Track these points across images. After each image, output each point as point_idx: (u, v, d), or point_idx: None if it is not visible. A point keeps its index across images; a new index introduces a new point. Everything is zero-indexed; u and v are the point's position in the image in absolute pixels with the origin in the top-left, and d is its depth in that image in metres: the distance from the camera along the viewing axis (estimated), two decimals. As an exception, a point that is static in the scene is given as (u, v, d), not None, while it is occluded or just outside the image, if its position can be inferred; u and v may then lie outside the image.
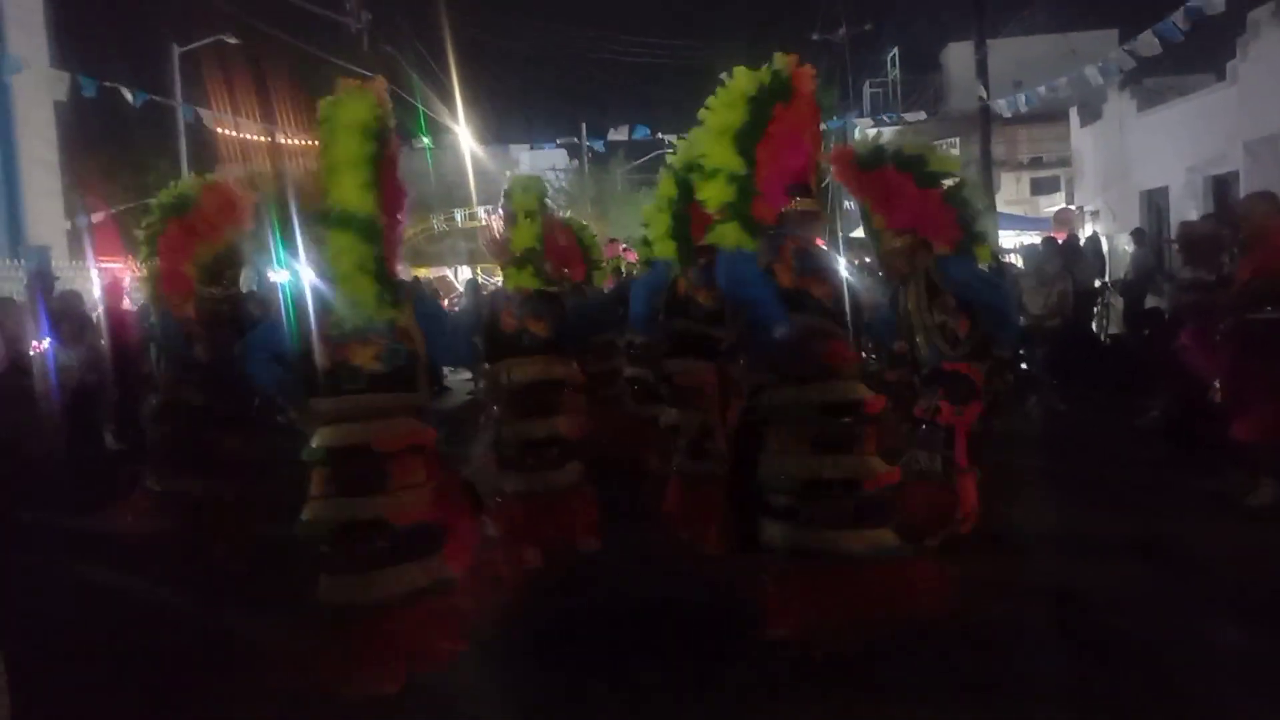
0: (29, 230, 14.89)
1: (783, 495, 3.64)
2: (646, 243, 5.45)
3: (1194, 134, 14.63)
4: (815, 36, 26.08)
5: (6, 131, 14.87)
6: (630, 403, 6.87)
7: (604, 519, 4.84)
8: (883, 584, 3.50)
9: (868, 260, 8.67)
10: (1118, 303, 12.27)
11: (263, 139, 20.21)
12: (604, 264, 8.42)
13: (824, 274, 3.82)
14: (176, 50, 18.72)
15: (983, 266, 4.98)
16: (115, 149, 21.24)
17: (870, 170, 4.75)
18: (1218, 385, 6.29)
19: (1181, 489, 5.96)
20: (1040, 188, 24.36)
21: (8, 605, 4.47)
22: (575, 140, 25.45)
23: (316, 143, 3.44)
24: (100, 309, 9.28)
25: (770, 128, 3.70)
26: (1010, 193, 23.36)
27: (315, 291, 3.39)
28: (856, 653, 3.50)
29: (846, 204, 26.26)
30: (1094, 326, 11.67)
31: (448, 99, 22.57)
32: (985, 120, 16.70)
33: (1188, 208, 14.46)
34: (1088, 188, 19.42)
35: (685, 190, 4.64)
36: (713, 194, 3.75)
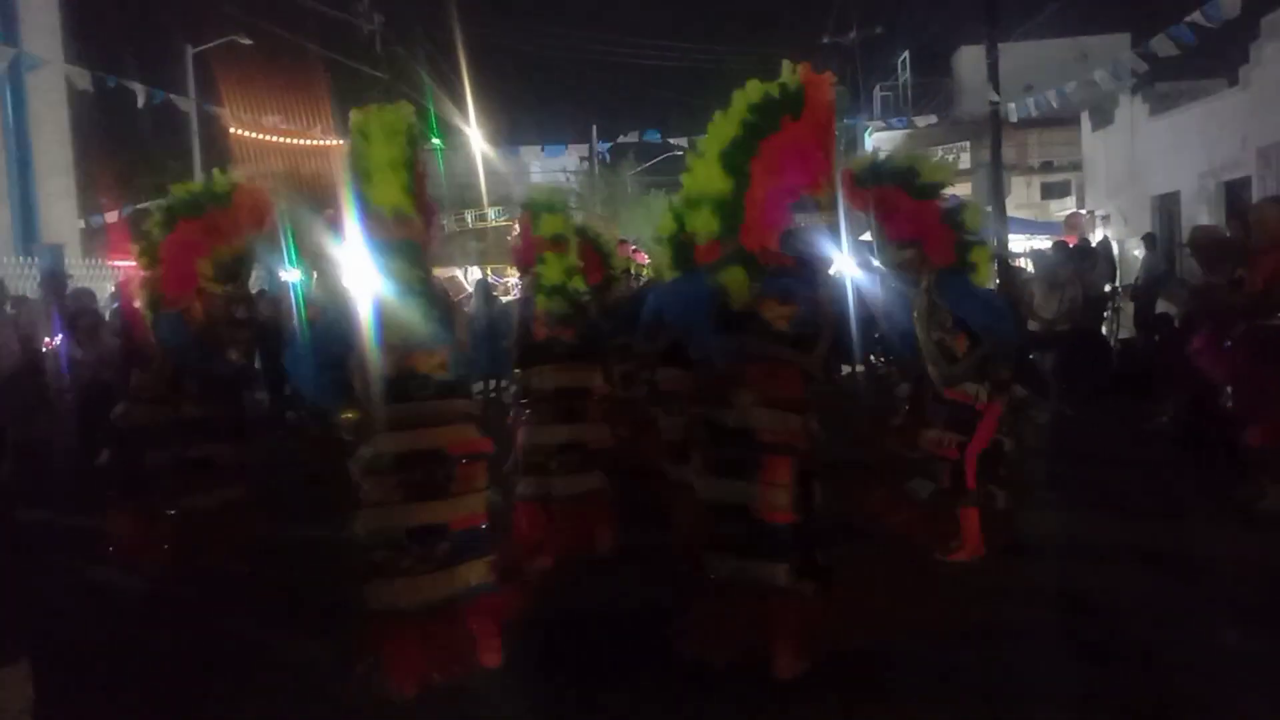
0: (43, 229, 15.00)
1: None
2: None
3: (1206, 139, 14.58)
4: (826, 39, 26.10)
5: (21, 131, 14.98)
6: (648, 406, 6.94)
7: (621, 522, 4.89)
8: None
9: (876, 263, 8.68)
10: (1128, 307, 12.24)
11: (276, 139, 20.29)
12: (620, 271, 8.46)
13: (791, 294, 3.61)
14: (190, 51, 18.83)
15: (983, 281, 4.84)
16: (129, 149, 21.38)
17: (868, 186, 4.75)
18: (1229, 391, 6.27)
19: (1190, 494, 5.94)
20: (1051, 192, 24.24)
21: (9, 605, 4.51)
22: (586, 143, 25.51)
23: (349, 150, 3.52)
24: (115, 306, 9.32)
25: (774, 142, 3.54)
26: (1021, 197, 23.26)
27: (375, 302, 3.47)
28: (859, 655, 3.51)
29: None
30: (1104, 331, 11.64)
31: (459, 100, 22.67)
32: (996, 124, 16.64)
33: (1199, 213, 14.40)
34: (1099, 192, 19.35)
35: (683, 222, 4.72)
36: (699, 224, 3.63)
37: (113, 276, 13.88)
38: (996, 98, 16.26)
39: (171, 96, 16.12)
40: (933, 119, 22.38)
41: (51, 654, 4.10)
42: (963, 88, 25.86)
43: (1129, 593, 4.35)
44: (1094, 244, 12.91)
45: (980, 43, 17.91)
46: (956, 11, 26.12)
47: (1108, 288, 11.82)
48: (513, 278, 17.51)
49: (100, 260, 15.57)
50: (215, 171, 5.38)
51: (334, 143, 22.33)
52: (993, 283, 8.42)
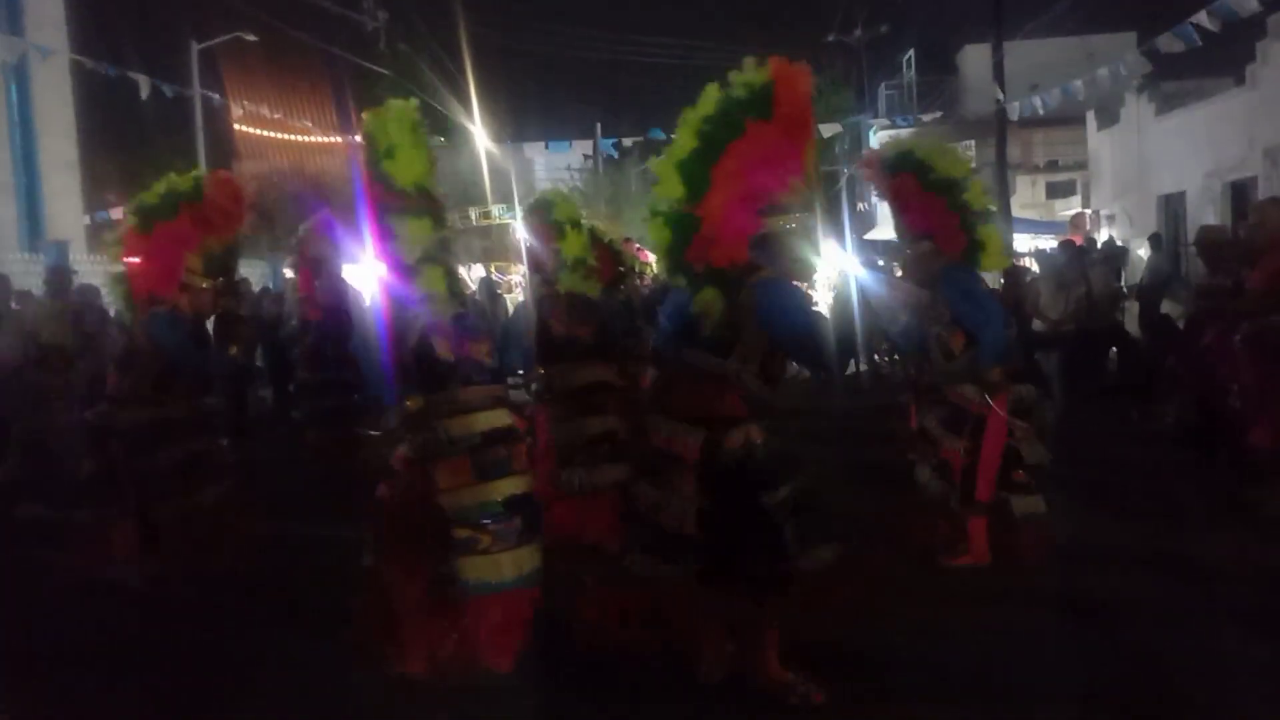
0: (48, 225, 15.03)
1: None
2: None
3: (1212, 138, 14.54)
4: (831, 38, 26.08)
5: (27, 127, 15.01)
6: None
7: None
8: None
9: (880, 263, 8.67)
10: (1133, 307, 12.21)
11: (280, 136, 20.33)
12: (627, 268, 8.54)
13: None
14: (195, 47, 18.88)
15: (995, 263, 4.86)
16: (134, 145, 21.44)
17: (894, 174, 4.75)
18: (1235, 391, 6.25)
19: (1193, 495, 5.92)
20: (1056, 191, 24.19)
21: (9, 605, 4.52)
22: (589, 141, 25.51)
23: (367, 133, 3.62)
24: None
25: (739, 146, 3.26)
26: (1026, 196, 23.22)
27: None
28: (859, 655, 3.50)
29: (860, 205, 26.27)
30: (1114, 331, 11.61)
31: (462, 97, 22.66)
32: (1001, 123, 16.62)
33: (1205, 213, 14.37)
34: (1104, 192, 19.32)
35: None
36: (654, 236, 3.49)
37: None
38: (1002, 96, 16.24)
39: (186, 92, 16.16)
40: (938, 117, 22.34)
41: (51, 654, 4.11)
42: (968, 86, 25.84)
43: (1129, 593, 4.34)
44: (1100, 244, 12.89)
45: (985, 41, 17.89)
46: (962, 10, 26.13)
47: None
48: (516, 275, 17.52)
49: (105, 256, 15.59)
50: (170, 175, 5.25)
51: (338, 139, 22.37)
52: (998, 279, 8.46)
